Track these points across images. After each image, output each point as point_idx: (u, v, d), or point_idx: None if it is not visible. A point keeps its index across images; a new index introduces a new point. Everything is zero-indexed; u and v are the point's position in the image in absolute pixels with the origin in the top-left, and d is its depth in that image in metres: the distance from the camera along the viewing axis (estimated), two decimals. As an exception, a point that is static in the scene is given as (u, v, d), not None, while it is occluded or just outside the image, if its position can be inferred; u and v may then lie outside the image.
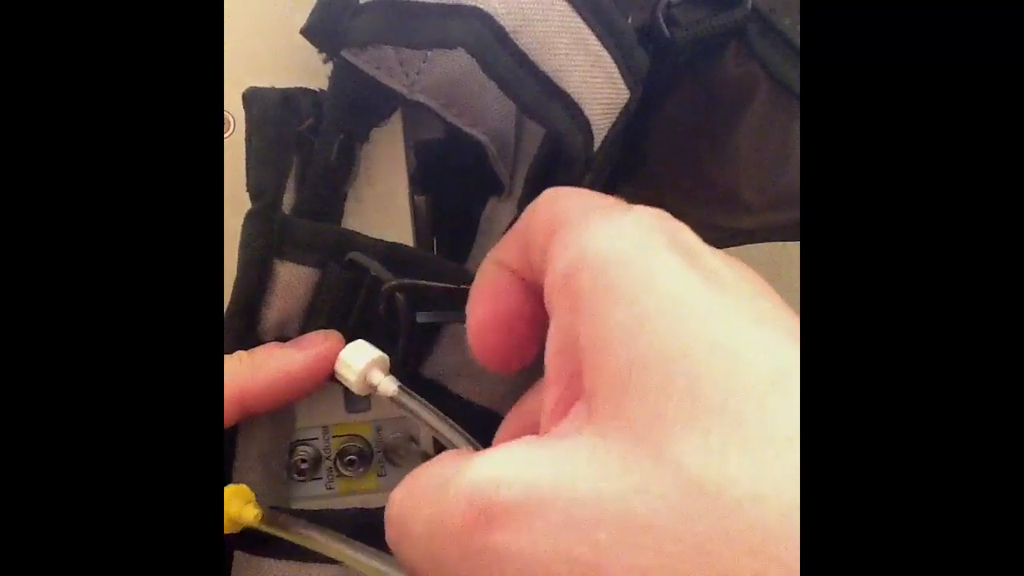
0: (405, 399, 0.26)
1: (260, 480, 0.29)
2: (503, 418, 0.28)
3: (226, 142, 0.28)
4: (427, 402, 0.26)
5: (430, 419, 0.25)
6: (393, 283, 0.27)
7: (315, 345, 0.27)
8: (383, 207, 0.30)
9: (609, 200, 0.21)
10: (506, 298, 0.23)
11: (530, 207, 0.22)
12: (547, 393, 0.19)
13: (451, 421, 0.25)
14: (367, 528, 0.28)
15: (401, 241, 0.29)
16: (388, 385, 0.26)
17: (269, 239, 0.27)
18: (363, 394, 0.27)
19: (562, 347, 0.19)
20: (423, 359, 0.29)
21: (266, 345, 0.27)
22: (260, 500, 0.29)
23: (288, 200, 0.27)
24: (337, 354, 0.27)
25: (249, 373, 0.26)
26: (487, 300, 0.23)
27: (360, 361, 0.26)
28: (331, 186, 0.28)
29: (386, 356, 0.27)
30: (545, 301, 0.20)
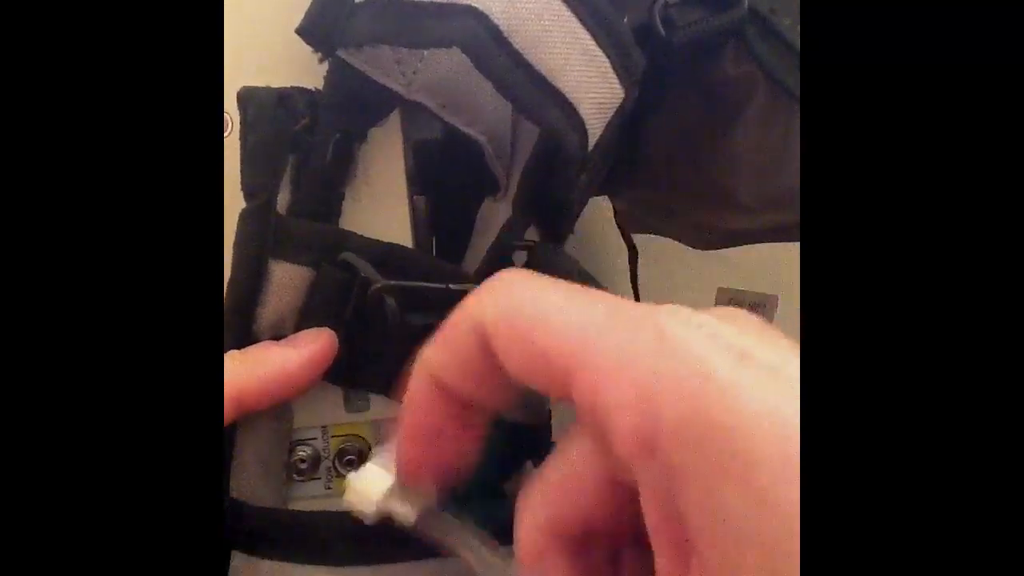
0: (434, 522, 0.24)
1: (258, 480, 0.29)
2: (503, 422, 0.28)
3: (224, 142, 0.28)
4: (454, 519, 0.24)
5: (460, 539, 0.23)
6: (380, 285, 0.27)
7: (309, 343, 0.27)
8: (382, 207, 0.30)
9: (594, 294, 0.20)
10: (431, 415, 0.22)
11: (471, 310, 0.21)
12: (657, 561, 0.18)
13: (485, 537, 0.23)
14: (365, 533, 0.28)
15: (400, 241, 0.29)
16: (407, 514, 0.24)
17: (264, 238, 0.27)
18: (375, 522, 0.24)
19: (663, 514, 0.18)
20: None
21: (260, 344, 0.27)
22: (258, 501, 0.29)
23: (284, 200, 0.27)
24: (331, 352, 0.27)
25: (244, 372, 0.26)
26: (413, 411, 0.22)
27: (373, 492, 0.24)
28: (327, 186, 0.28)
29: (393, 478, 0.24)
30: (617, 459, 0.18)
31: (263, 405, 0.27)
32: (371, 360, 0.28)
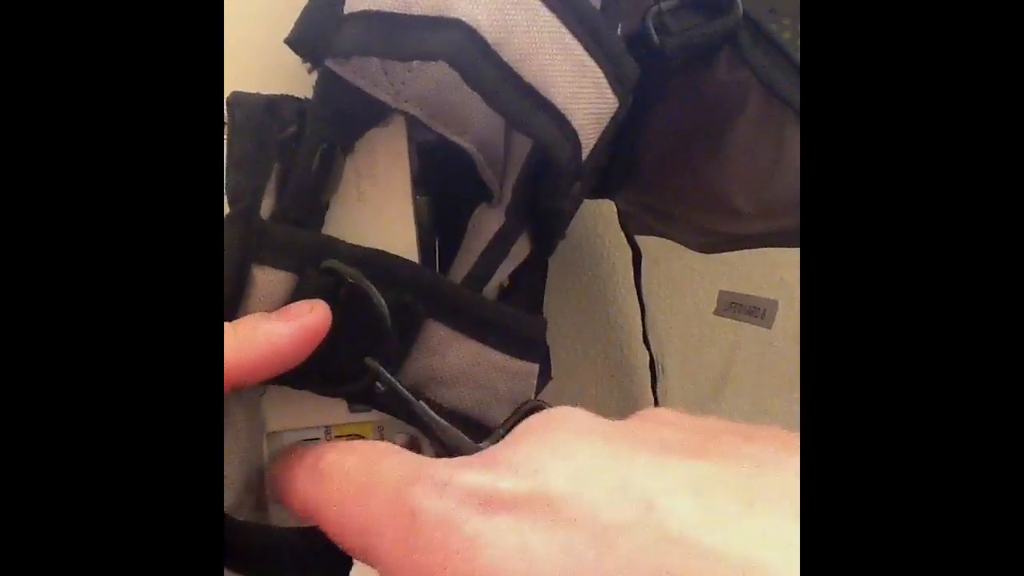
0: None
1: (241, 488, 0.29)
2: (482, 425, 0.28)
3: None
4: None
5: None
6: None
7: (301, 316, 0.26)
8: (387, 207, 0.30)
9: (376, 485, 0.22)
10: None
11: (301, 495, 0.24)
12: None
13: None
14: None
15: (404, 241, 0.30)
16: None
17: (247, 243, 0.27)
18: None
19: None
20: (399, 365, 0.29)
21: (251, 316, 0.27)
22: (243, 506, 0.29)
23: (269, 207, 0.28)
24: (324, 326, 0.26)
25: (235, 347, 0.25)
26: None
27: None
28: (312, 195, 0.28)
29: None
30: None
31: (251, 381, 0.26)
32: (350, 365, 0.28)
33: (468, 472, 0.21)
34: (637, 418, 0.23)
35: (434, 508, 0.20)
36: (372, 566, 0.22)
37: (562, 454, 0.20)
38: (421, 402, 0.28)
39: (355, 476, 0.23)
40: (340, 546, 0.23)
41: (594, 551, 0.17)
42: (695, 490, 0.18)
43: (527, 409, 0.29)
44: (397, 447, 0.24)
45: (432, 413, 0.28)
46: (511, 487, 0.19)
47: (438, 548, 0.19)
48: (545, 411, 0.23)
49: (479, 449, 0.27)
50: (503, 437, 0.28)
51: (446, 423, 0.28)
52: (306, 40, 0.26)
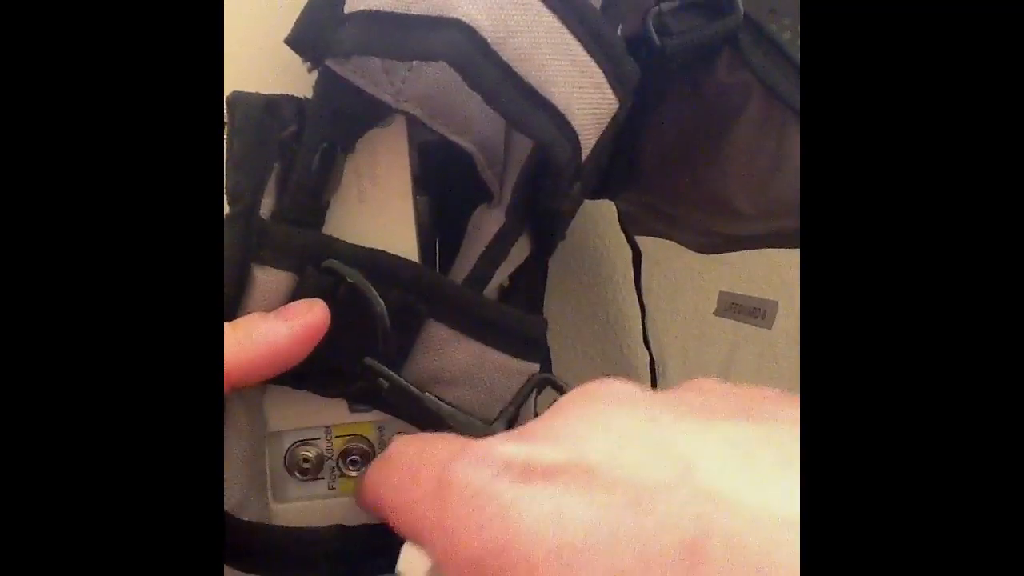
0: None
1: (247, 488, 0.29)
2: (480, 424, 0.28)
3: None
4: None
5: None
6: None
7: (299, 316, 0.27)
8: (387, 207, 0.30)
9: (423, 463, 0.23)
10: None
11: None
12: None
13: None
14: (349, 549, 0.29)
15: (405, 242, 0.30)
16: None
17: (247, 243, 0.27)
18: None
19: None
20: (400, 365, 0.29)
21: (249, 316, 0.27)
22: (244, 512, 0.29)
23: (269, 207, 0.28)
24: (323, 325, 0.27)
25: (233, 347, 0.26)
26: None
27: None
28: (312, 195, 0.28)
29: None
30: None
31: (251, 381, 0.26)
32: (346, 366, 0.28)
33: (507, 444, 0.21)
34: (680, 387, 0.23)
35: (472, 478, 0.20)
36: (417, 542, 0.22)
37: (602, 425, 0.20)
38: (427, 394, 0.28)
39: (410, 459, 0.23)
40: (394, 527, 0.23)
41: (632, 513, 0.17)
42: (734, 450, 0.18)
43: (536, 382, 0.30)
44: (451, 435, 0.25)
45: (439, 402, 0.28)
46: (549, 456, 0.19)
47: (474, 515, 0.19)
48: (586, 384, 0.23)
49: (491, 431, 0.27)
50: (513, 413, 0.29)
51: (453, 408, 0.28)
52: (306, 40, 0.26)
